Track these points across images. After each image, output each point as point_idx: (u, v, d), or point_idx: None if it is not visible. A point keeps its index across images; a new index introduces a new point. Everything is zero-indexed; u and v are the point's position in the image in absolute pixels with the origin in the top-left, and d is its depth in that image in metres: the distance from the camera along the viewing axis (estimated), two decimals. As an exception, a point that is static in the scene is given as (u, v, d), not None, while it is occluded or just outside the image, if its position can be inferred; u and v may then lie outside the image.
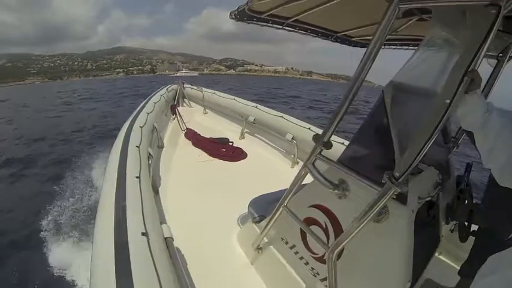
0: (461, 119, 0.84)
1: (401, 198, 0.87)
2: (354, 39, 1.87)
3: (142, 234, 1.16)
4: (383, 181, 0.79)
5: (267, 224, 1.34)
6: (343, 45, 1.96)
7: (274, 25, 1.60)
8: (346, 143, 1.88)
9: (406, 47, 1.82)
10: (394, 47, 1.85)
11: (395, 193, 0.78)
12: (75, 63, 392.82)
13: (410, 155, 0.77)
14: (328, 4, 1.20)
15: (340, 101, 0.98)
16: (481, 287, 0.68)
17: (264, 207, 1.52)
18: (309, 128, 2.82)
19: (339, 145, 1.78)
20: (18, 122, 11.12)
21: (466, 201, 1.23)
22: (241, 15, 1.49)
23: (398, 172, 0.78)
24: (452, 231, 1.58)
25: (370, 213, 0.82)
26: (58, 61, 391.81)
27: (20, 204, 4.04)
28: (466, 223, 1.25)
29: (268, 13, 1.45)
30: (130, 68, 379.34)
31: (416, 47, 1.25)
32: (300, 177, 1.14)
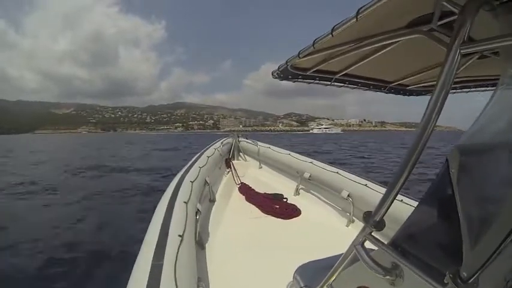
0: None
1: None
2: (409, 87, 1.81)
3: None
4: (445, 281, 0.62)
5: None
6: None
7: (322, 82, 1.58)
8: (408, 201, 1.94)
9: (468, 90, 1.72)
10: (454, 91, 1.71)
11: None
12: (135, 115, 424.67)
13: (484, 247, 0.57)
14: (377, 54, 1.18)
15: (396, 170, 0.79)
16: None
17: (311, 276, 1.37)
18: (366, 185, 2.69)
19: (400, 203, 1.80)
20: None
21: None
22: (285, 74, 1.48)
23: (466, 271, 0.59)
24: None
25: None
26: (119, 112, 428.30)
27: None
28: None
29: (314, 69, 1.43)
30: (190, 123, 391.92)
31: (477, 89, 1.62)
32: (347, 257, 1.00)
